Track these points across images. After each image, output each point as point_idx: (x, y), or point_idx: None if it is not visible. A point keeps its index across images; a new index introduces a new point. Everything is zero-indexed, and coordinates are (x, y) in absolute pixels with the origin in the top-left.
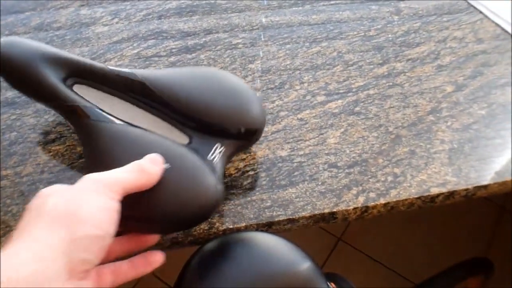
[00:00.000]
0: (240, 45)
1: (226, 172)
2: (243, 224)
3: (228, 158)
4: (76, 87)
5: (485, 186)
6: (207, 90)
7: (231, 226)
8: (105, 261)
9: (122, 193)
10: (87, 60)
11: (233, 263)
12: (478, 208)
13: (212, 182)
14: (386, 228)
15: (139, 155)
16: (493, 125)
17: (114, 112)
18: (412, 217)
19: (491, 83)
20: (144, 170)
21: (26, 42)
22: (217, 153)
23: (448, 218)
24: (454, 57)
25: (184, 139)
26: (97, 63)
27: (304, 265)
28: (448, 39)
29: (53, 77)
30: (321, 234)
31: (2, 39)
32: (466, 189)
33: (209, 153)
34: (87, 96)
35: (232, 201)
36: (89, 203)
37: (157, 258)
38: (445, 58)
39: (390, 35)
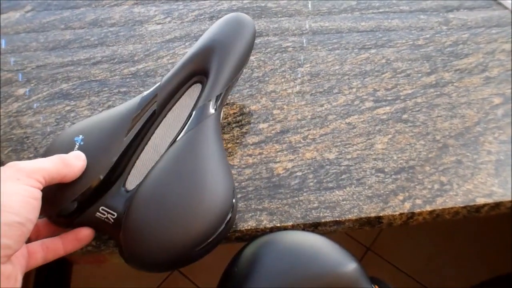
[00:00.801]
0: (290, 49)
1: (275, 173)
2: (290, 223)
3: None
4: None
5: None
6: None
7: (278, 225)
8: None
9: (43, 181)
10: None
11: (279, 262)
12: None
13: None
14: (417, 239)
15: None
16: None
17: None
18: (444, 230)
19: None
20: (67, 162)
21: None
22: None
23: (483, 233)
24: (502, 69)
25: None
26: None
27: (350, 266)
28: (497, 51)
29: None
30: (350, 242)
31: None
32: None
33: None
34: None
35: (280, 201)
36: (8, 190)
37: (87, 234)
38: (493, 70)
39: (438, 45)
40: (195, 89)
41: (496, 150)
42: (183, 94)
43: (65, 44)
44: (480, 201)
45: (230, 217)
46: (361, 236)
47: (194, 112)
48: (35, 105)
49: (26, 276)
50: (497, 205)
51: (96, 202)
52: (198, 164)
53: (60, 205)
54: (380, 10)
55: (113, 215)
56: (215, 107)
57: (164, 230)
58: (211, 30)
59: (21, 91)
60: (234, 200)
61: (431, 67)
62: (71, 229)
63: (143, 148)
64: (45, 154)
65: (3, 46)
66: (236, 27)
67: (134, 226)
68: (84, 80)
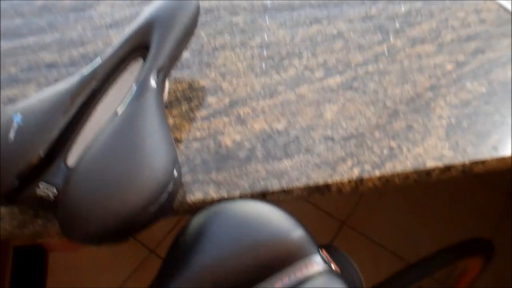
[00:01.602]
0: (240, 24)
1: (223, 145)
2: (238, 193)
3: None
4: None
5: (482, 162)
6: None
7: (225, 195)
8: None
9: None
10: None
11: (225, 230)
12: (485, 194)
13: None
14: (391, 212)
15: None
16: (493, 102)
17: None
18: (417, 202)
19: (492, 62)
20: None
21: None
22: None
23: (454, 204)
24: (456, 36)
25: None
26: None
27: (295, 232)
28: (450, 19)
29: None
30: (325, 218)
31: None
32: (463, 164)
33: None
34: None
35: (227, 172)
36: None
37: None
38: (446, 37)
39: (391, 15)
40: (137, 65)
41: (447, 114)
42: (124, 69)
43: (14, 28)
44: (430, 164)
45: (172, 189)
46: (336, 211)
47: (134, 86)
48: None
49: (3, 264)
50: (448, 168)
51: (36, 179)
52: (137, 138)
53: (1, 182)
54: None
55: (54, 191)
56: (156, 81)
57: (100, 202)
58: (152, 6)
59: None
60: (175, 172)
61: (383, 36)
62: (16, 206)
63: (84, 124)
64: None
65: None
66: (178, 2)
67: (71, 200)
68: (33, 63)
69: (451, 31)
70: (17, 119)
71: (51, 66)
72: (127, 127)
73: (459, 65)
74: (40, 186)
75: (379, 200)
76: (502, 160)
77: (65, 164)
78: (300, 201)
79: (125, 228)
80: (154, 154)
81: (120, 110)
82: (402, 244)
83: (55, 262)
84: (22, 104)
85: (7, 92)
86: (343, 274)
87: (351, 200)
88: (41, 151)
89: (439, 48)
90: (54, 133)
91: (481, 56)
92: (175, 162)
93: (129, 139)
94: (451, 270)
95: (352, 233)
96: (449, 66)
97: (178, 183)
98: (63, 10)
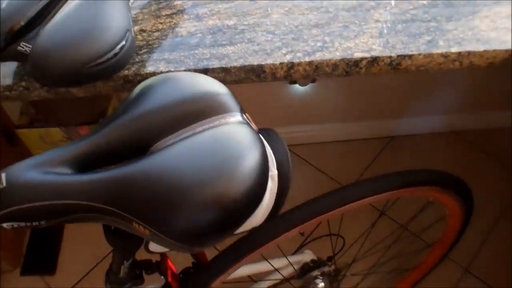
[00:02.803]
0: None
1: (179, 35)
2: (183, 69)
3: None
4: None
5: (409, 56)
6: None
7: (172, 70)
8: None
9: None
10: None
11: (162, 90)
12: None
13: None
14: None
15: None
16: (431, 12)
17: None
18: None
19: None
20: None
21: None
22: None
23: None
24: None
25: None
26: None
27: (221, 93)
28: None
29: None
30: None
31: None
32: (390, 57)
33: None
34: None
35: (177, 53)
36: None
37: None
38: None
39: None
40: None
41: (384, 19)
42: None
43: None
44: (358, 55)
45: (123, 49)
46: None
47: None
48: None
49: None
50: (375, 59)
51: (18, 40)
52: (97, 7)
53: None
54: None
55: (29, 47)
56: None
57: (60, 51)
58: None
59: None
60: (126, 36)
61: None
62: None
63: (62, 4)
64: None
65: None
66: None
67: (37, 50)
68: None
69: None
70: None
71: None
72: (91, 1)
73: None
74: (21, 45)
75: None
76: (429, 55)
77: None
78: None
79: (82, 73)
80: (109, 21)
81: None
82: None
83: (70, 231)
84: None
85: None
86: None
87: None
88: (22, 21)
89: None
90: (35, 9)
91: None
92: (127, 30)
93: (90, 8)
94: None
95: None
96: None
97: (130, 46)
98: None
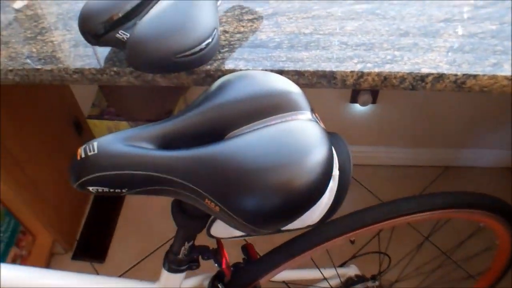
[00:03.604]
0: None
1: (258, 38)
2: (260, 69)
3: None
4: None
5: (474, 76)
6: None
7: (250, 68)
8: None
9: None
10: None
11: (240, 84)
12: None
13: None
14: None
15: None
16: (499, 37)
17: None
18: None
19: (508, 8)
20: None
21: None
22: None
23: None
24: None
25: None
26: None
27: (294, 92)
28: None
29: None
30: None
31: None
32: (455, 75)
33: None
34: None
35: (256, 54)
36: None
37: None
38: None
39: None
40: None
41: (453, 40)
42: None
43: None
44: (425, 71)
45: (209, 45)
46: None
47: None
48: None
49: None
50: (441, 76)
51: (117, 28)
52: (191, 6)
53: (92, 26)
54: None
55: (127, 35)
56: None
57: (154, 41)
58: None
59: None
60: (213, 34)
61: None
62: (98, 46)
63: (157, 1)
64: None
65: None
66: None
67: (135, 39)
68: None
69: None
70: None
71: None
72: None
73: (476, 7)
74: (119, 32)
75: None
76: (493, 77)
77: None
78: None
79: (172, 61)
80: (200, 19)
81: None
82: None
83: (123, 223)
84: None
85: None
86: (335, 147)
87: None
88: (120, 13)
89: None
90: (133, 3)
91: (501, 4)
92: (214, 29)
93: (185, 6)
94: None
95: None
96: (466, 8)
97: (215, 44)
98: None
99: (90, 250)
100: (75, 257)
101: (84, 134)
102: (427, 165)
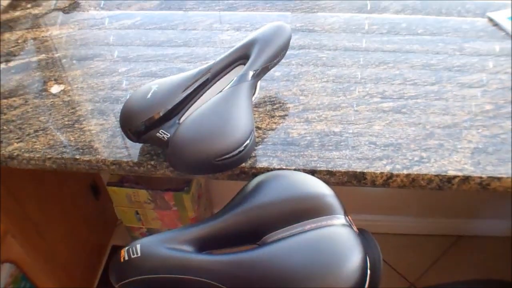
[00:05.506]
0: (323, 58)
1: (290, 135)
2: (293, 168)
3: None
4: None
5: (498, 178)
6: None
7: (284, 167)
8: None
9: None
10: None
11: (276, 185)
12: None
13: None
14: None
15: None
16: None
17: None
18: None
19: None
20: None
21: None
22: None
23: None
24: (501, 86)
25: None
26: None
27: (328, 195)
28: (500, 73)
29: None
30: (397, 278)
31: None
32: (480, 177)
33: None
34: None
35: (289, 153)
36: None
37: None
38: (492, 86)
39: (448, 65)
40: (239, 69)
41: (476, 141)
42: (230, 70)
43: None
44: (452, 173)
45: (247, 147)
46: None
47: (235, 78)
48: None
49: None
50: (467, 178)
51: (157, 127)
52: (229, 109)
53: (133, 124)
54: (406, 38)
55: (167, 135)
56: (251, 77)
57: (195, 144)
58: (257, 30)
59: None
60: (251, 136)
61: (437, 79)
62: (139, 143)
63: (196, 100)
64: (133, 93)
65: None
66: (276, 30)
67: (176, 141)
68: (168, 66)
69: (498, 82)
70: (154, 87)
71: (180, 69)
72: (223, 101)
73: (498, 107)
74: (160, 132)
75: None
76: None
77: (179, 122)
78: None
79: (209, 165)
80: (238, 120)
81: (221, 91)
82: None
83: None
84: (160, 80)
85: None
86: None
87: (424, 264)
88: (161, 111)
89: (483, 93)
90: (174, 101)
91: None
92: (251, 131)
93: (223, 109)
94: None
95: None
96: (488, 107)
97: (252, 147)
98: (194, 32)
99: None
100: None
101: (101, 198)
102: (438, 234)
